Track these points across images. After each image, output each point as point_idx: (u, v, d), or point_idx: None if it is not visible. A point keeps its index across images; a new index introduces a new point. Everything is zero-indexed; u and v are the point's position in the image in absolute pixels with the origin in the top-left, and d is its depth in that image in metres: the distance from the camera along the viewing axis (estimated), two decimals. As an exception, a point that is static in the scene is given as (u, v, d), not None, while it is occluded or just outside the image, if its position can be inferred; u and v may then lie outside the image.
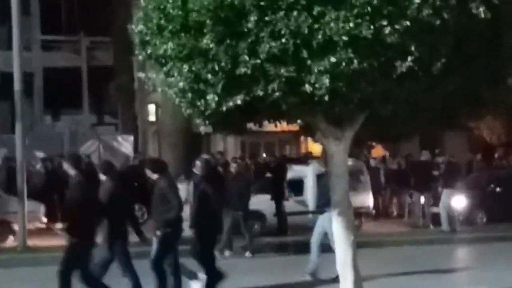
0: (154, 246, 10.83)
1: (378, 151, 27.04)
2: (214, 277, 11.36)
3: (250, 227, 16.74)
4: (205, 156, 14.62)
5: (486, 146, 27.43)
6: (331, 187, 9.26)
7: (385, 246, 17.45)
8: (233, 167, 16.93)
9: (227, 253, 15.66)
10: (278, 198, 18.79)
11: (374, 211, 20.99)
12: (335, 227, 9.29)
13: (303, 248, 14.30)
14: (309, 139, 21.12)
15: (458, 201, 19.87)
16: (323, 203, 12.62)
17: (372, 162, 23.76)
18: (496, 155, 26.15)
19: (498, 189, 21.36)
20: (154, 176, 10.89)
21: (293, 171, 19.66)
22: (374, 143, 24.89)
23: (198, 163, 12.25)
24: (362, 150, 23.16)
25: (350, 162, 19.52)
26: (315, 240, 13.12)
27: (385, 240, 18.31)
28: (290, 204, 19.05)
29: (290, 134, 25.09)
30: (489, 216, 20.45)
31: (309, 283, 12.83)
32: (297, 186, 19.13)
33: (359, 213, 18.76)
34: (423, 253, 16.28)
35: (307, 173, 19.10)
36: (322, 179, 13.64)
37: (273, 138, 28.68)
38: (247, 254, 16.07)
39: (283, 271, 13.94)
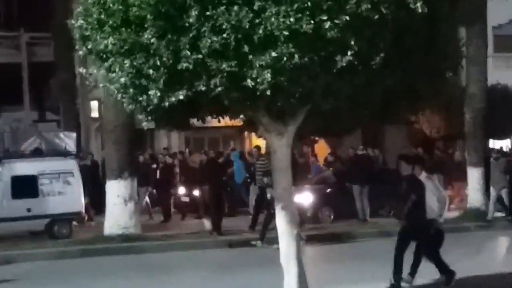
0: None
1: (321, 145, 27.24)
2: None
3: None
4: None
5: (426, 140, 27.75)
6: (274, 181, 9.30)
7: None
8: None
9: None
10: None
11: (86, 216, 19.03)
12: (278, 221, 9.35)
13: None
14: (253, 134, 21.12)
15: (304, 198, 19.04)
16: None
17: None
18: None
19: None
20: None
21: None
22: (317, 138, 25.10)
23: None
24: (304, 144, 23.21)
25: (60, 162, 18.44)
26: None
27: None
28: None
29: (234, 129, 25.10)
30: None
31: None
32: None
33: (68, 220, 17.76)
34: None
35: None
36: None
37: (217, 134, 28.65)
38: None
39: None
